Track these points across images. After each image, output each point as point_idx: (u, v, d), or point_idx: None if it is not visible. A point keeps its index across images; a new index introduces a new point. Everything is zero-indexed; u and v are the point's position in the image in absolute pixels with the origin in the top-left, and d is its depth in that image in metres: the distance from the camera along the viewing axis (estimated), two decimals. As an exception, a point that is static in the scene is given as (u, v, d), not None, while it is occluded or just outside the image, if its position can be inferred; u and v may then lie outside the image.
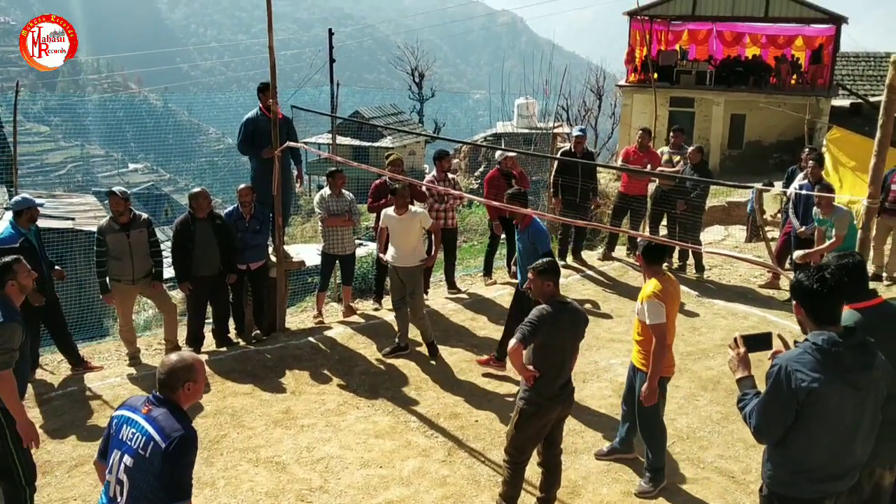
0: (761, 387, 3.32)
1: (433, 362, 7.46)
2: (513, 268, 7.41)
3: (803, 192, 8.54)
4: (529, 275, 4.82)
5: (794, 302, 3.33)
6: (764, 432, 3.27)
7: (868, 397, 3.17)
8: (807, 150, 10.25)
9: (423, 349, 7.62)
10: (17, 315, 4.60)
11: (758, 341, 3.50)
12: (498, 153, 9.74)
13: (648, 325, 5.00)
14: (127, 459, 3.12)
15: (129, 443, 3.13)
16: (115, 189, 7.35)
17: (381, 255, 7.86)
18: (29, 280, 4.87)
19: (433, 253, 8.11)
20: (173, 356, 3.31)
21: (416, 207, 7.68)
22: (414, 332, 7.72)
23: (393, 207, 7.42)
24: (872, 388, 3.18)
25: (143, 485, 3.08)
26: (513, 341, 4.52)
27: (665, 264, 5.55)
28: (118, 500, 3.15)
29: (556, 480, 5.04)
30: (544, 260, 4.88)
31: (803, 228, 8.82)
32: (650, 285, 5.05)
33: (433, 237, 8.20)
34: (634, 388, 5.30)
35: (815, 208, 8.15)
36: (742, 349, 3.46)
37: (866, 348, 3.19)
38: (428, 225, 7.56)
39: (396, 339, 7.68)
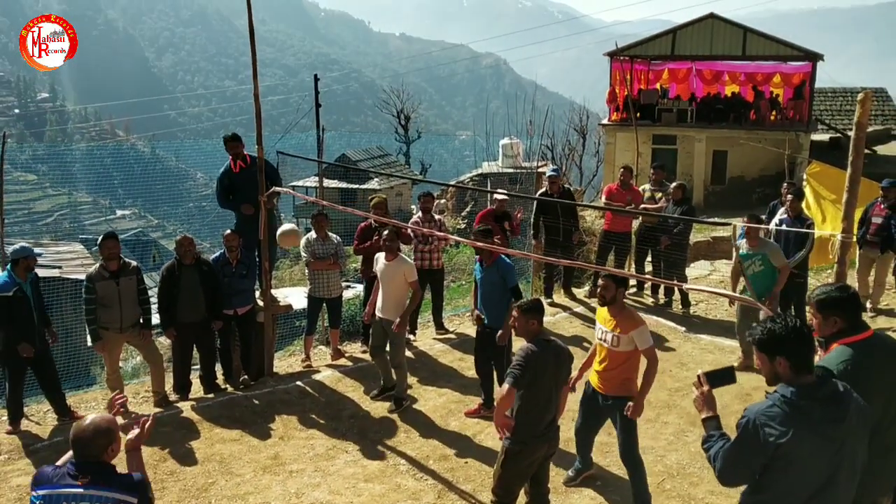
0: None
1: (394, 414, 7.27)
2: (475, 311, 7.17)
3: (783, 227, 8.66)
4: (514, 313, 4.86)
5: (766, 355, 3.22)
6: (727, 478, 3.27)
7: (844, 447, 3.12)
8: (785, 184, 10.43)
9: (413, 391, 7.61)
10: None
11: (720, 376, 3.47)
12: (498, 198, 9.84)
13: (644, 350, 5.27)
14: None
15: None
16: (112, 231, 7.40)
17: (367, 314, 7.75)
18: None
19: (409, 305, 7.50)
20: (87, 424, 3.27)
21: (406, 257, 7.63)
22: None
23: (383, 254, 7.37)
24: (849, 437, 3.13)
25: None
26: (505, 386, 4.55)
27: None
28: None
29: None
30: (530, 299, 4.97)
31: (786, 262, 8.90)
32: (633, 313, 5.35)
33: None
34: (600, 416, 5.64)
35: (741, 240, 7.89)
36: (706, 387, 3.42)
37: (838, 399, 3.14)
38: (411, 279, 7.24)
39: (382, 381, 7.66)
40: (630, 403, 5.30)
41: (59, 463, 3.35)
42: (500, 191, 10.59)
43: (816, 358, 3.46)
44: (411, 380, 7.79)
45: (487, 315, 6.85)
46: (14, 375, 6.92)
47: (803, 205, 9.88)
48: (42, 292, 7.09)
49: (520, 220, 10.05)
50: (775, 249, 7.85)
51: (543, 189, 10.50)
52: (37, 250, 16.64)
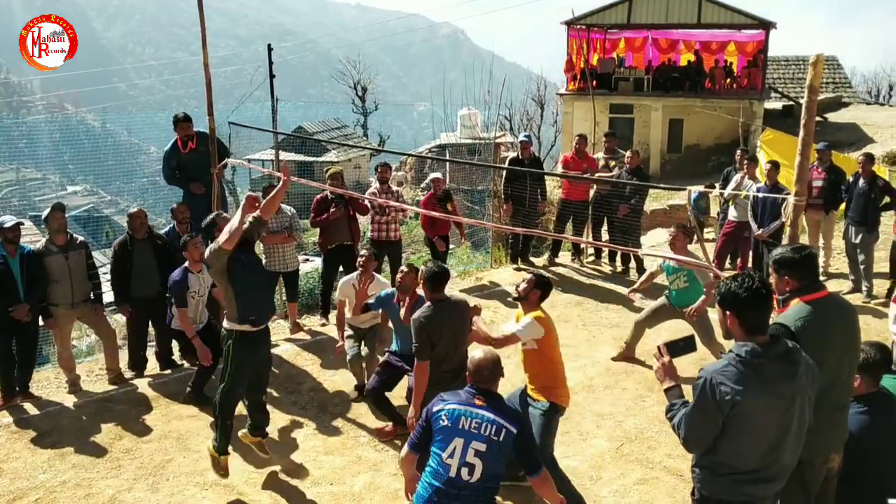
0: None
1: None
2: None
3: (761, 194, 8.81)
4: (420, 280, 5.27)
5: (724, 310, 3.29)
6: (692, 443, 3.33)
7: (794, 404, 3.20)
8: (739, 151, 10.57)
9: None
10: None
11: (681, 346, 3.54)
12: (431, 176, 9.80)
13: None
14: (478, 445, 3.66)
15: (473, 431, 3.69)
16: (59, 203, 7.22)
17: (339, 342, 6.98)
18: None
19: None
20: (489, 355, 3.89)
21: (383, 281, 7.30)
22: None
23: (356, 275, 6.96)
24: (798, 394, 3.21)
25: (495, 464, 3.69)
26: (416, 363, 5.00)
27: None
28: (468, 479, 3.66)
29: None
30: (430, 267, 5.20)
31: (760, 231, 9.07)
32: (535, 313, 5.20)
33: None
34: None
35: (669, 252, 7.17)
36: (666, 358, 3.49)
37: (790, 357, 3.22)
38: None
39: (357, 382, 7.08)
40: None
41: None
42: (456, 160, 10.53)
43: (774, 314, 3.52)
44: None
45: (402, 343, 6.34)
46: (0, 347, 6.85)
47: (757, 171, 10.06)
48: (36, 268, 6.87)
49: (543, 210, 10.51)
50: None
51: (515, 154, 10.54)
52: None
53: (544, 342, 5.11)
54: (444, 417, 3.73)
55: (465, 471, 3.65)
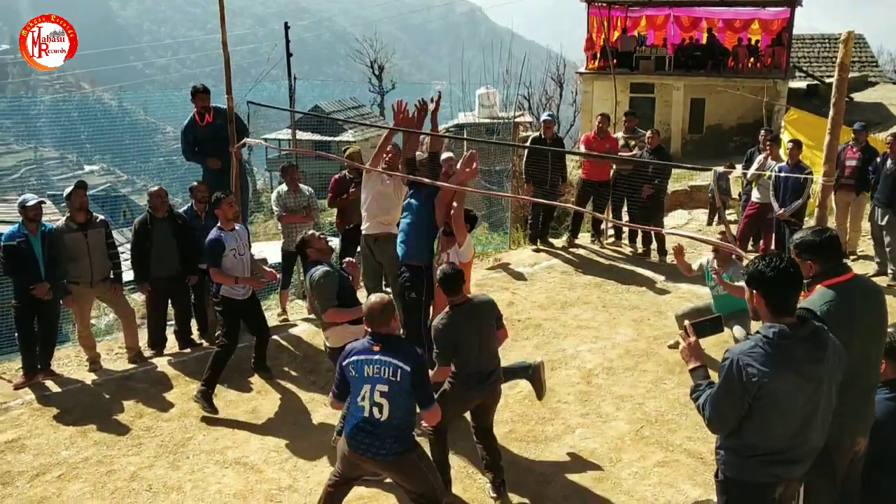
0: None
1: None
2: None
3: (783, 173, 8.69)
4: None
5: (751, 290, 3.25)
6: (717, 424, 3.29)
7: (822, 386, 3.16)
8: (763, 131, 10.41)
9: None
10: None
11: (708, 327, 3.48)
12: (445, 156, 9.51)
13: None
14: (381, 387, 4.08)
15: (375, 376, 4.10)
16: (82, 180, 7.24)
17: None
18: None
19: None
20: (376, 299, 4.25)
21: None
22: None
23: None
24: (826, 377, 3.16)
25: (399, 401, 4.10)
26: (436, 367, 4.87)
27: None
28: (379, 417, 4.11)
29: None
30: (444, 270, 4.99)
31: (782, 210, 8.95)
32: None
33: None
34: None
35: (711, 261, 6.92)
36: (693, 338, 3.44)
37: (818, 339, 3.17)
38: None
39: None
40: None
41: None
42: (476, 138, 10.45)
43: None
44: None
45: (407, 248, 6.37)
46: (22, 325, 6.92)
47: (781, 152, 9.91)
48: (57, 246, 6.91)
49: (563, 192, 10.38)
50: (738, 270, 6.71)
51: (537, 134, 10.46)
52: (2, 207, 16.35)
53: None
54: (351, 369, 4.19)
55: (375, 410, 4.12)
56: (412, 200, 6.43)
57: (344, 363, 4.23)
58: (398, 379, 4.07)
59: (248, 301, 6.74)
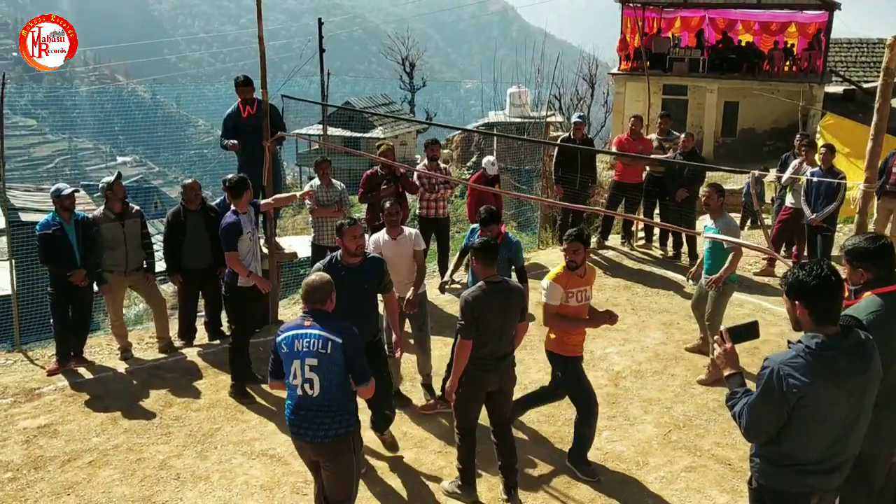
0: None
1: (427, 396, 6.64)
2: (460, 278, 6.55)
3: (815, 179, 8.57)
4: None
5: (791, 301, 3.17)
6: (754, 433, 3.23)
7: (863, 398, 3.11)
8: (798, 136, 10.26)
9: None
10: None
11: (744, 332, 3.39)
12: (488, 159, 9.44)
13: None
14: (311, 361, 4.00)
15: (305, 350, 4.01)
16: (119, 172, 7.36)
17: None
18: None
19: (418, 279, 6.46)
20: (316, 278, 4.19)
21: (409, 229, 6.58)
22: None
23: (384, 231, 6.39)
24: (868, 387, 3.11)
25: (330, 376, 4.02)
26: (458, 339, 4.84)
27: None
28: (311, 394, 4.04)
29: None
30: (480, 241, 4.99)
31: (814, 216, 8.83)
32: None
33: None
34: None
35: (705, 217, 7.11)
36: (729, 344, 3.34)
37: (862, 350, 3.10)
38: (420, 248, 6.46)
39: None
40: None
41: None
42: (507, 135, 10.41)
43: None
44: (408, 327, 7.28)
45: None
46: (57, 312, 7.05)
47: (817, 157, 9.75)
48: (90, 234, 7.03)
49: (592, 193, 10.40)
50: (731, 227, 6.81)
51: (567, 134, 10.42)
52: (36, 195, 16.61)
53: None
54: (283, 346, 4.09)
55: (307, 387, 4.03)
56: None
57: (276, 340, 4.14)
58: (328, 351, 3.98)
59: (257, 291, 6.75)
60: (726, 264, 6.60)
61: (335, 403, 4.08)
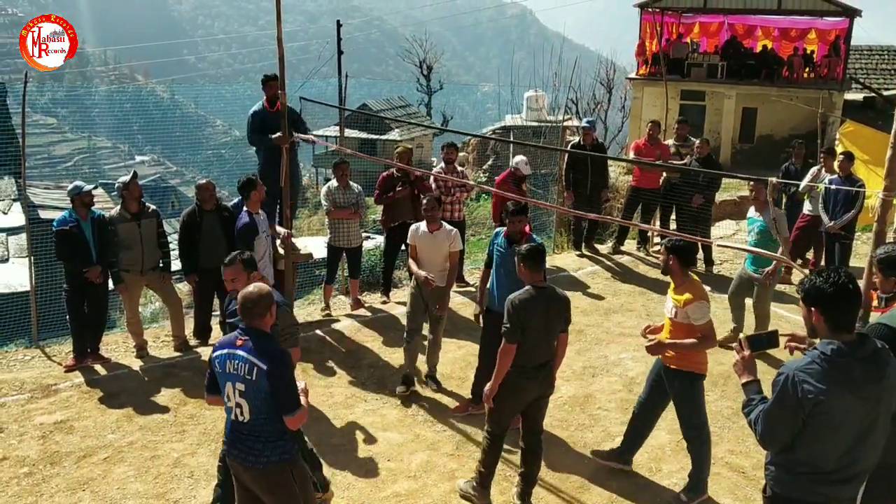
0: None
1: (433, 386, 6.86)
2: (481, 296, 6.41)
3: (833, 186, 8.53)
4: (517, 260, 4.93)
5: (808, 307, 3.16)
6: (769, 441, 3.22)
7: (879, 406, 3.09)
8: (795, 143, 10.30)
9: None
10: None
11: (763, 341, 3.40)
12: (518, 159, 9.46)
13: (698, 325, 4.94)
14: (239, 386, 3.72)
15: (235, 373, 3.74)
16: (136, 171, 7.41)
17: (414, 268, 6.58)
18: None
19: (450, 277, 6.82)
20: (253, 289, 3.85)
21: (449, 226, 6.77)
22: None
23: (424, 223, 6.63)
24: (884, 397, 3.09)
25: (258, 403, 3.71)
26: (503, 344, 4.75)
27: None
28: (243, 419, 3.77)
29: (535, 460, 5.07)
30: (530, 245, 4.94)
31: (832, 224, 8.77)
32: (688, 288, 5.00)
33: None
34: (665, 391, 5.22)
35: (751, 208, 7.64)
36: (747, 352, 3.36)
37: (878, 358, 3.09)
38: (457, 248, 6.68)
39: (405, 374, 6.76)
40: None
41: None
42: (520, 141, 10.39)
43: (877, 315, 3.39)
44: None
45: (500, 298, 5.76)
46: (73, 309, 7.11)
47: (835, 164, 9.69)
48: (106, 232, 7.10)
49: (605, 197, 10.41)
50: (781, 219, 7.31)
51: (577, 140, 10.39)
52: (55, 193, 16.78)
53: None
54: (217, 364, 3.85)
55: (238, 412, 3.78)
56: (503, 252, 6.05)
57: (212, 356, 3.92)
58: (254, 378, 3.68)
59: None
60: (779, 250, 7.04)
61: (267, 431, 3.78)
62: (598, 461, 5.55)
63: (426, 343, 6.84)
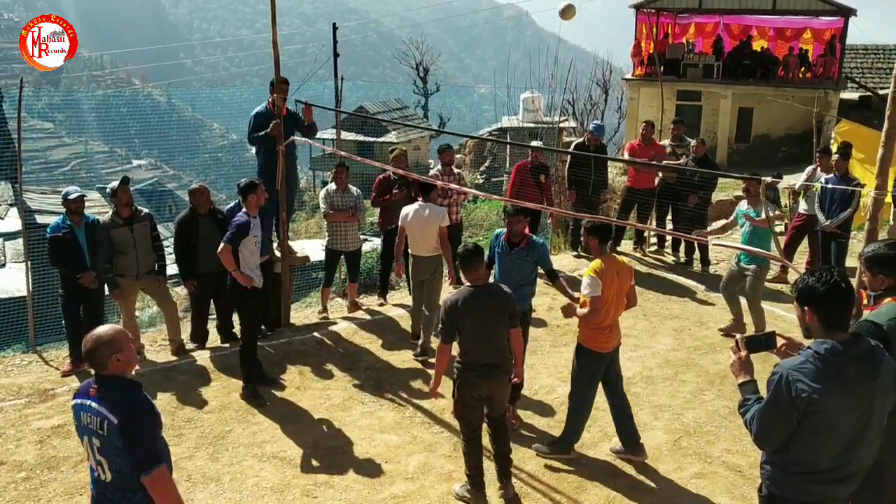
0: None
1: (415, 363, 7.35)
2: None
3: (829, 185, 8.55)
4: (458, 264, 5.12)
5: (801, 306, 3.18)
6: (764, 440, 3.23)
7: (873, 405, 3.09)
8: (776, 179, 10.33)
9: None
10: None
11: (760, 342, 3.40)
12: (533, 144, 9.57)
13: (585, 295, 5.22)
14: (95, 441, 3.26)
15: (90, 427, 3.27)
16: (126, 176, 7.39)
17: (397, 267, 7.94)
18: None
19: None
20: (93, 332, 3.34)
21: (439, 208, 7.55)
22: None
23: (413, 205, 7.33)
24: (878, 395, 3.09)
25: (116, 460, 3.24)
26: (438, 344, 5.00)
27: (610, 244, 5.62)
28: (104, 478, 3.31)
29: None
30: (465, 247, 5.05)
31: (828, 223, 8.79)
32: (593, 264, 5.33)
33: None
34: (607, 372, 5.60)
35: (743, 202, 8.01)
36: (743, 352, 3.37)
37: (872, 357, 3.09)
38: (444, 223, 7.34)
39: (421, 341, 7.47)
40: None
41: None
42: (534, 143, 10.43)
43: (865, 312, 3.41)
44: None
45: None
46: (69, 314, 7.13)
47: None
48: (99, 237, 7.09)
49: (604, 198, 10.53)
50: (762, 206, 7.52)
51: (581, 140, 10.44)
52: (52, 198, 16.78)
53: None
54: (73, 416, 3.39)
55: (99, 470, 3.31)
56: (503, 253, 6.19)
57: (71, 403, 3.44)
58: (105, 433, 3.18)
59: (261, 289, 6.84)
60: (772, 247, 7.34)
61: (132, 491, 3.26)
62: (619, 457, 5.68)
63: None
